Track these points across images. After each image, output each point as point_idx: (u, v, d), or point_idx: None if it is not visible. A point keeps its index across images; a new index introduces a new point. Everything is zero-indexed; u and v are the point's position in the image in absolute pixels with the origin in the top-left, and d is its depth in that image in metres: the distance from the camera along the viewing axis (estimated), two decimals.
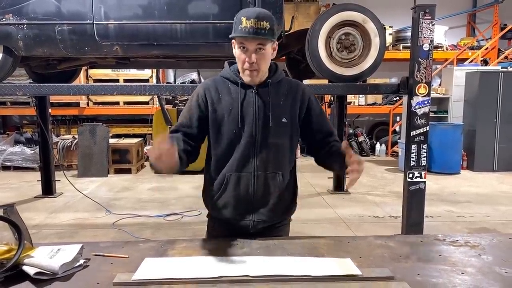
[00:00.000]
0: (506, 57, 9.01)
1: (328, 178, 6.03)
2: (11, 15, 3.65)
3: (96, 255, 1.54)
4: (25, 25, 3.66)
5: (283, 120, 1.72)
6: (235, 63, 1.75)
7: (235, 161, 1.72)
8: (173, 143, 1.52)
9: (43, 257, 1.41)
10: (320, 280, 1.36)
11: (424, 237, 1.80)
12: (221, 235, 1.79)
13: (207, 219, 1.92)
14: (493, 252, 1.62)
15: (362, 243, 1.70)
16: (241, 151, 1.71)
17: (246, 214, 1.76)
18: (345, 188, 5.89)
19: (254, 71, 1.67)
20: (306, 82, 5.13)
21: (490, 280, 1.38)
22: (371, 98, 9.41)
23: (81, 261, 1.46)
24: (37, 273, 1.34)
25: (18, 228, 1.40)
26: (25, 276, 1.35)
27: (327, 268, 1.43)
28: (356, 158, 1.58)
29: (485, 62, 9.08)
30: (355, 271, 1.41)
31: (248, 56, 1.64)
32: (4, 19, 3.65)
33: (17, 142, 7.83)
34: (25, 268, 1.36)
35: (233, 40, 1.69)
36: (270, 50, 1.68)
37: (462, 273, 1.43)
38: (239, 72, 1.75)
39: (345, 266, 1.45)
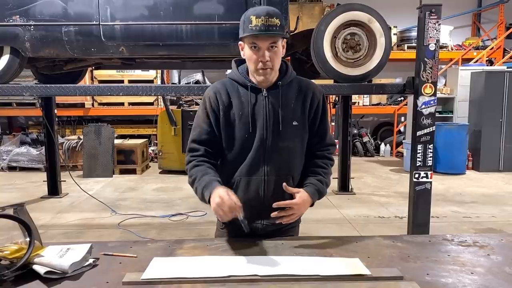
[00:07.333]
0: (511, 57, 8.96)
1: (333, 178, 6.02)
2: (18, 16, 3.68)
3: (105, 254, 1.55)
4: (32, 26, 3.69)
5: (293, 124, 1.70)
6: (243, 62, 1.73)
7: (245, 166, 1.70)
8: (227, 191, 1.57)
9: (53, 256, 1.42)
10: (329, 279, 1.36)
11: (432, 237, 1.79)
12: (230, 236, 1.79)
13: (216, 219, 1.89)
14: (502, 252, 1.61)
15: (370, 243, 1.70)
16: (252, 155, 1.69)
17: (255, 218, 1.75)
18: (349, 188, 5.89)
19: (268, 70, 1.63)
20: None
21: (500, 280, 1.37)
22: (375, 99, 9.40)
23: (90, 261, 1.47)
24: (47, 272, 1.35)
25: (28, 227, 1.41)
26: (35, 275, 1.36)
27: (336, 267, 1.43)
28: (296, 201, 1.63)
29: (490, 62, 9.03)
30: (364, 271, 1.40)
31: (262, 55, 1.59)
32: (11, 20, 3.68)
33: (23, 143, 7.87)
34: (35, 267, 1.37)
35: (240, 42, 1.66)
36: (281, 47, 1.65)
37: (471, 273, 1.43)
38: (247, 74, 1.72)
39: (354, 265, 1.44)
